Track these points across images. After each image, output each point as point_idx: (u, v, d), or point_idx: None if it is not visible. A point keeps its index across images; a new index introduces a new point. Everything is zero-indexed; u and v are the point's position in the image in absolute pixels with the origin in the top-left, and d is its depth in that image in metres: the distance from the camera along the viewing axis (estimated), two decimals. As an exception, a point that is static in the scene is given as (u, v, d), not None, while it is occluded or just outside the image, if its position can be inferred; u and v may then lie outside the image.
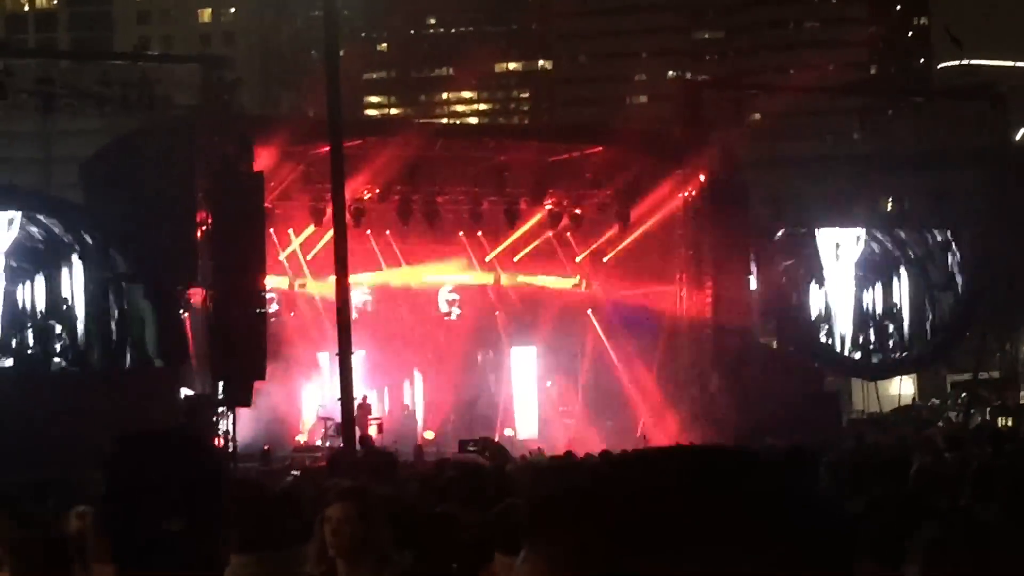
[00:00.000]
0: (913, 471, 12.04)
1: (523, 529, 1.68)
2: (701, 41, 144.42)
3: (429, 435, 44.16)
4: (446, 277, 46.76)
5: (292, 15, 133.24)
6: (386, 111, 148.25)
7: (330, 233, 28.28)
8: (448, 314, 47.69)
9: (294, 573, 5.26)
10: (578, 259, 46.77)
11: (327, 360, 39.55)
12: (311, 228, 42.10)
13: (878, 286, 46.87)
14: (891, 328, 47.12)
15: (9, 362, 37.66)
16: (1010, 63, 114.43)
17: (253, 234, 36.97)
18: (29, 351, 37.92)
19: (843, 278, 46.26)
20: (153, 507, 3.61)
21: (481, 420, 44.31)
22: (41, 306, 38.00)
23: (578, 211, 44.94)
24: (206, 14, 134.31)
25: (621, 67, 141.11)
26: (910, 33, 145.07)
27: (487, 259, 46.52)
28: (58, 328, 37.94)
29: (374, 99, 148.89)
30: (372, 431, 39.89)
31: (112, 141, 41.02)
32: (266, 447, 38.70)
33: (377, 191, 41.99)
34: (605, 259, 46.28)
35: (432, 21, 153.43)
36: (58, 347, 37.95)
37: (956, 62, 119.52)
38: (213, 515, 3.69)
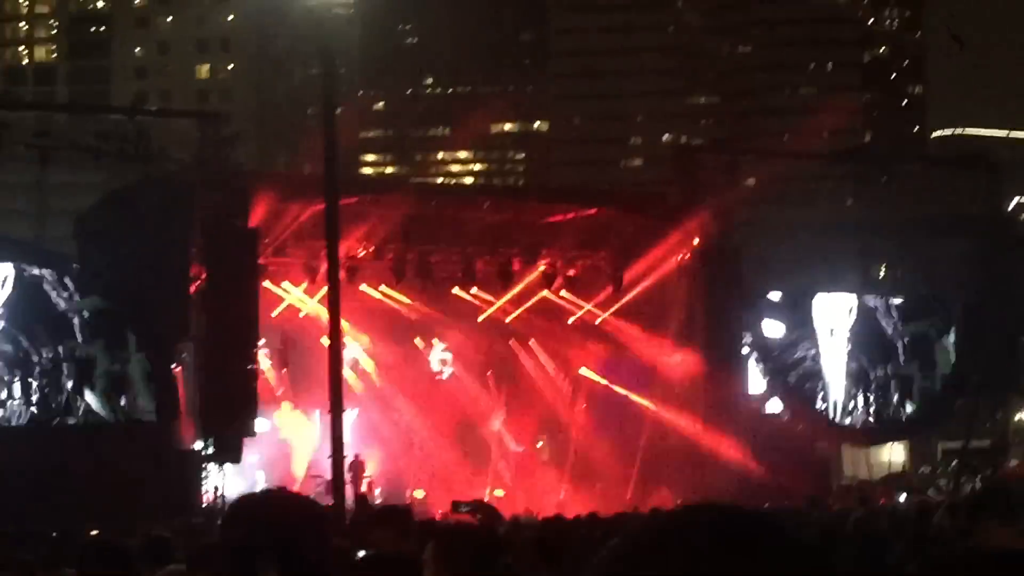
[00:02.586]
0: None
1: None
2: (697, 105, 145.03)
3: (419, 494, 44.05)
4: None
5: (289, 72, 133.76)
6: (382, 170, 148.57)
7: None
8: (440, 373, 47.68)
9: None
10: (571, 320, 46.77)
11: (318, 417, 39.54)
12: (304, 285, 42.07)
13: (870, 352, 46.83)
14: (882, 395, 47.06)
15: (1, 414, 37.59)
16: (1003, 133, 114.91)
17: (246, 290, 36.97)
18: (20, 405, 37.79)
19: (835, 344, 46.24)
20: (255, 560, 3.67)
21: (473, 480, 44.26)
22: (33, 360, 37.89)
23: (571, 272, 44.97)
24: (204, 70, 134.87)
25: (616, 129, 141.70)
26: (904, 101, 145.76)
27: (479, 319, 46.52)
28: (48, 382, 37.83)
29: (370, 157, 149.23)
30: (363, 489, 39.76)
31: (108, 195, 41.05)
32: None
33: (372, 249, 42.01)
34: (598, 321, 46.27)
35: (429, 81, 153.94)
36: (48, 401, 37.82)
37: (950, 131, 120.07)
38: (313, 561, 3.73)
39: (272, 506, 3.99)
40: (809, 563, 1.52)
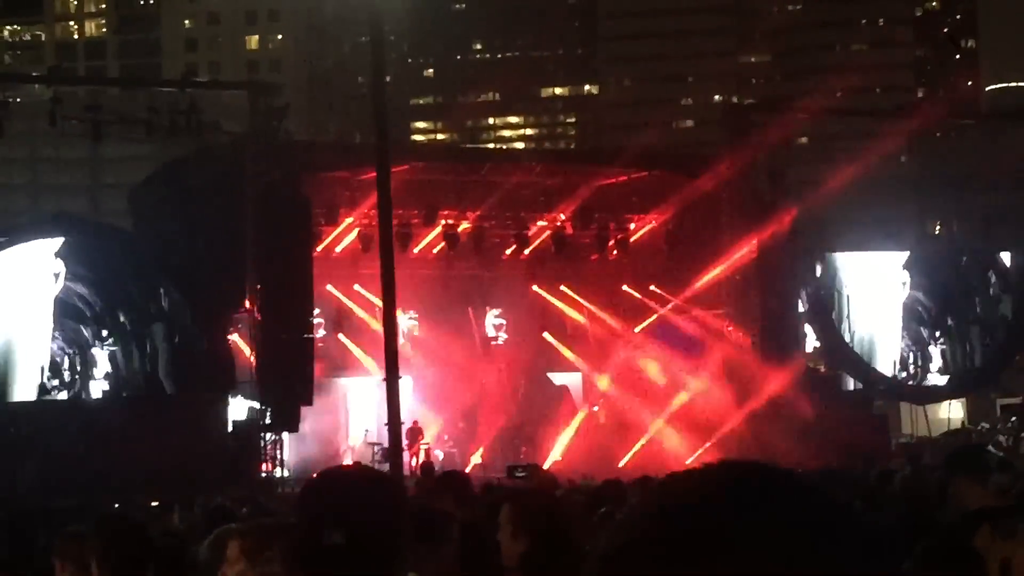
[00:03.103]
0: None
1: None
2: (748, 64, 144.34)
3: (477, 459, 44.15)
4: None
5: (339, 41, 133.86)
6: (433, 136, 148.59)
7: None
8: (495, 339, 47.71)
9: None
10: (625, 288, 46.68)
11: (374, 384, 39.60)
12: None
13: (927, 309, 46.64)
14: (940, 351, 46.90)
15: (61, 392, 37.86)
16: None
17: (300, 260, 37.07)
18: (80, 379, 38.10)
19: (892, 302, 46.05)
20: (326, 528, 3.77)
21: (529, 445, 44.29)
22: (90, 334, 38.19)
23: (624, 236, 44.89)
24: (253, 41, 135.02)
25: (667, 91, 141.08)
26: (957, 56, 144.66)
27: (534, 286, 46.54)
28: (107, 355, 38.14)
29: (421, 124, 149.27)
30: (421, 456, 39.84)
31: (160, 167, 41.25)
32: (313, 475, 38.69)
33: (424, 216, 42.09)
34: (652, 287, 46.19)
35: (478, 46, 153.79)
36: (107, 374, 38.12)
37: (1003, 84, 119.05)
38: (382, 531, 3.80)
39: (345, 479, 4.08)
40: (837, 523, 1.51)
